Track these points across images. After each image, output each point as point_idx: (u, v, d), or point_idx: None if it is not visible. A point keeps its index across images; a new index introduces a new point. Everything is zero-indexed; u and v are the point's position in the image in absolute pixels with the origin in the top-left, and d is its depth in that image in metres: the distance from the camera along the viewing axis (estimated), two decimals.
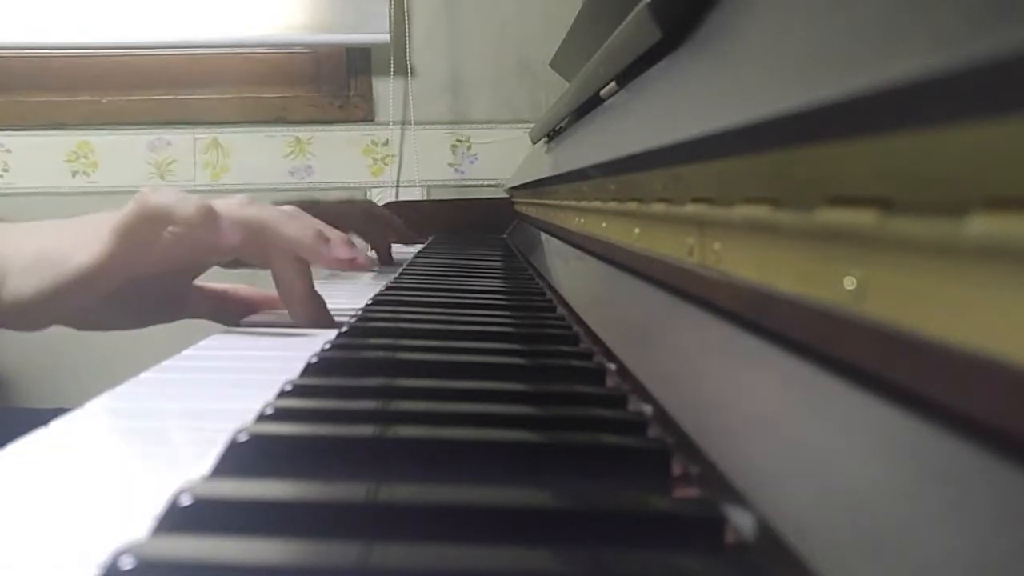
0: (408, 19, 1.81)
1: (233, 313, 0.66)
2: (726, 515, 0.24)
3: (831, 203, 0.21)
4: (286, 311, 0.62)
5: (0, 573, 0.22)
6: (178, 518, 0.23)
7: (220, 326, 0.63)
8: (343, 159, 1.83)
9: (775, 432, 0.23)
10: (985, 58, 0.13)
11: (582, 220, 0.64)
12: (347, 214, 1.07)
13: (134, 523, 0.24)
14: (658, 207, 0.38)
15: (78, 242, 0.55)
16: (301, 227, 0.58)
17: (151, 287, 0.61)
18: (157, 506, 0.24)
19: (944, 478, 0.16)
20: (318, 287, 0.61)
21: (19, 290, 0.54)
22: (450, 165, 1.84)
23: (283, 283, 0.60)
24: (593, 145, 0.56)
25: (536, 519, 0.24)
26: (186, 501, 0.23)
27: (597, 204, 0.56)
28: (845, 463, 0.20)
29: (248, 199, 0.58)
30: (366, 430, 0.30)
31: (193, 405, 0.40)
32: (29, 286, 0.54)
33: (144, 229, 0.55)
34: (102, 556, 0.21)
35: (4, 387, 1.78)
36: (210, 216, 0.54)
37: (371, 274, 0.99)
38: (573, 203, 0.68)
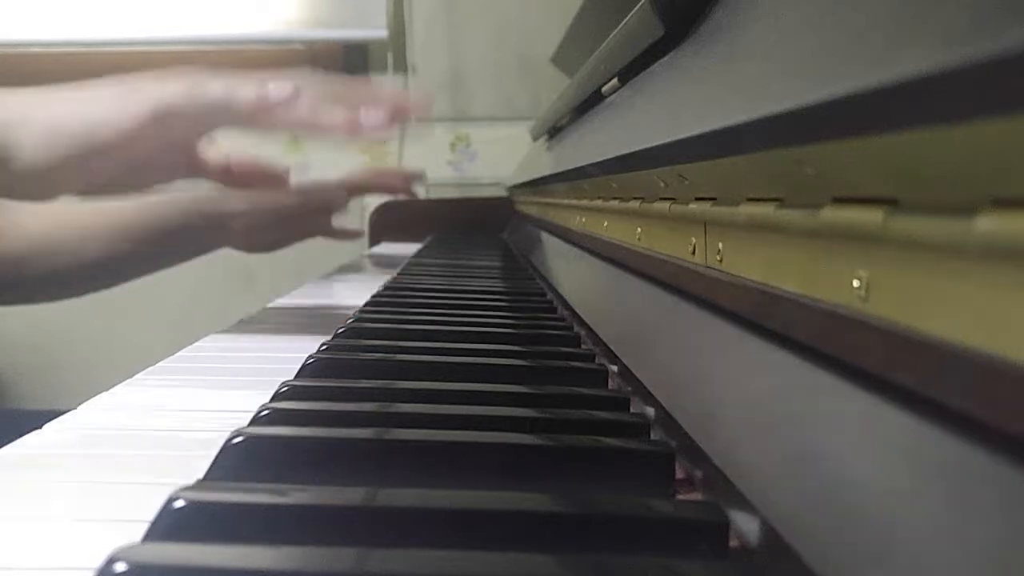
0: (407, 14, 1.80)
1: (237, 180, 0.66)
2: (730, 518, 0.23)
3: (836, 202, 0.21)
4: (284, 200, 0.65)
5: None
6: (171, 522, 0.23)
7: (215, 328, 0.63)
8: (340, 156, 1.83)
9: (780, 434, 0.23)
10: (992, 55, 0.12)
11: (583, 219, 0.64)
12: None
13: (127, 527, 0.24)
14: (661, 206, 0.38)
15: (106, 109, 0.54)
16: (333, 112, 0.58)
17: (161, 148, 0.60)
18: (147, 511, 0.23)
19: (951, 481, 0.16)
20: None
21: (40, 158, 0.53)
22: (449, 163, 1.83)
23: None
24: (595, 142, 0.55)
25: (536, 523, 0.24)
26: (179, 505, 0.23)
27: (599, 203, 0.55)
28: (850, 466, 0.19)
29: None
30: (363, 433, 0.30)
31: (188, 406, 0.40)
32: (52, 154, 0.53)
33: (189, 118, 0.55)
34: (90, 560, 0.21)
35: None
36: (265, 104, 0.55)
37: (371, 272, 0.99)
38: (574, 202, 0.67)
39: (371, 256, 1.29)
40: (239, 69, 0.57)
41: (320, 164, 1.82)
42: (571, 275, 0.66)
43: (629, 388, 0.38)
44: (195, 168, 0.65)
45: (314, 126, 0.57)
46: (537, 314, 0.62)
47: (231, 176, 0.66)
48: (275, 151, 1.81)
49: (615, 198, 0.49)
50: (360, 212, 1.67)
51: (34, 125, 0.53)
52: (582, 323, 0.53)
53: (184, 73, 0.57)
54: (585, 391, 0.39)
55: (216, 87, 0.55)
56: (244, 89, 0.55)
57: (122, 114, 0.54)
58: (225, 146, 0.65)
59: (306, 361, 0.42)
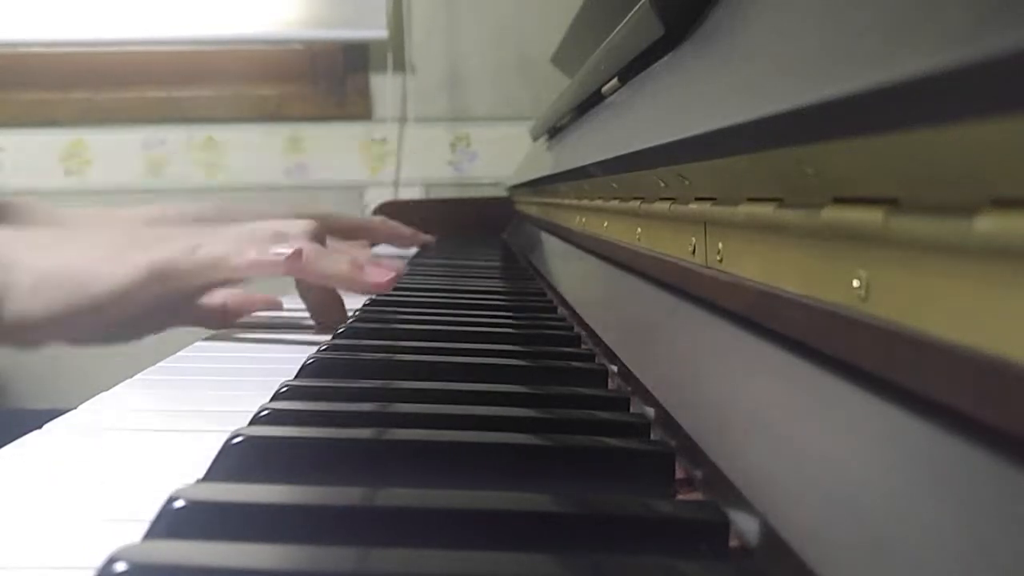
0: (406, 14, 1.80)
1: (228, 320, 0.65)
2: (730, 518, 0.23)
3: (836, 202, 0.21)
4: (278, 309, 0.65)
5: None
6: (171, 522, 0.23)
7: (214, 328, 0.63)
8: (340, 157, 1.83)
9: (779, 434, 0.23)
10: (992, 55, 0.12)
11: (583, 219, 0.64)
12: (370, 230, 1.16)
13: (126, 525, 0.24)
14: (661, 206, 0.38)
15: (101, 265, 0.52)
16: (336, 261, 0.57)
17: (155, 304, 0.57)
18: (145, 510, 0.23)
19: (951, 481, 0.16)
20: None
21: (27, 308, 0.51)
22: (449, 163, 1.83)
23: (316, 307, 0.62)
24: (595, 142, 0.55)
25: (536, 523, 0.23)
26: (179, 505, 0.23)
27: (599, 203, 0.55)
28: (850, 466, 0.19)
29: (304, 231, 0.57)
30: (363, 433, 0.30)
31: (188, 407, 0.40)
32: (40, 305, 0.51)
33: (191, 280, 0.53)
34: (91, 560, 0.21)
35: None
36: (262, 270, 0.54)
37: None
38: (574, 202, 0.67)
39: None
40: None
41: (319, 165, 1.83)
42: (571, 275, 0.66)
43: (629, 388, 0.38)
44: (193, 317, 0.62)
45: (316, 277, 0.57)
46: (537, 314, 0.62)
47: (228, 315, 0.64)
48: (274, 150, 1.81)
49: (615, 198, 0.49)
50: (360, 212, 1.67)
51: (21, 272, 0.51)
52: (582, 323, 0.53)
53: (184, 232, 0.55)
54: (585, 391, 0.39)
55: (214, 252, 0.53)
56: (244, 253, 0.53)
57: (115, 273, 0.51)
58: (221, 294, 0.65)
59: (306, 361, 0.42)
